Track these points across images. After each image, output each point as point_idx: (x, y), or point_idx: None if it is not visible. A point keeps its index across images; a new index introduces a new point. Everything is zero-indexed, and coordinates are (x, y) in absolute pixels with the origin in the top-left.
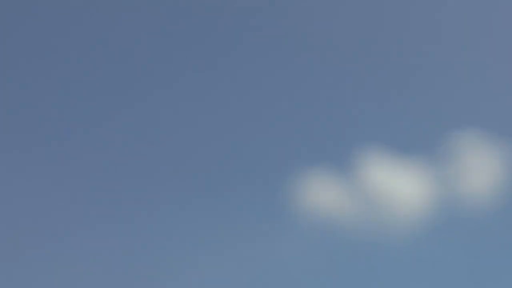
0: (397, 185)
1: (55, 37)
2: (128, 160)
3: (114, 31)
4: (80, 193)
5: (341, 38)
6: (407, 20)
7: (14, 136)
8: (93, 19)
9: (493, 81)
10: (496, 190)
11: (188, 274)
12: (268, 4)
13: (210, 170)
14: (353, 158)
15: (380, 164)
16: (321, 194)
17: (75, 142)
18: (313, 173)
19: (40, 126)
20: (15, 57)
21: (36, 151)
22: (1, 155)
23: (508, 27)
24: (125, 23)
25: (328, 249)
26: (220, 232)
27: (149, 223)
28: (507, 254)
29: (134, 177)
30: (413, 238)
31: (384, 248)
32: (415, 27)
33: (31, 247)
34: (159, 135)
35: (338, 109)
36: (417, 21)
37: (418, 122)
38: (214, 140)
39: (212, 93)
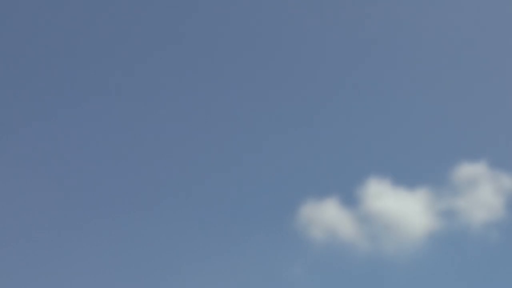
0: (403, 216)
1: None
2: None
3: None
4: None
5: (346, 75)
6: (412, 56)
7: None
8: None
9: (500, 116)
10: (501, 223)
11: None
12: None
13: (226, 202)
14: (361, 190)
15: (387, 196)
16: (331, 224)
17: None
18: (323, 204)
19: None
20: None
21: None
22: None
23: None
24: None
25: (337, 275)
26: (233, 256)
27: (166, 247)
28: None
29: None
30: (418, 267)
31: (389, 276)
32: (420, 62)
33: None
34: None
35: (347, 144)
36: (421, 56)
37: (425, 156)
38: (227, 174)
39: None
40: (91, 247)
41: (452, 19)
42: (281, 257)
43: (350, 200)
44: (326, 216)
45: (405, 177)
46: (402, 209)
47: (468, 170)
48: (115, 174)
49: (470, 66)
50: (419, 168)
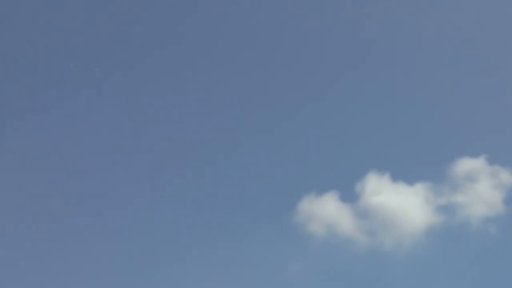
0: (402, 211)
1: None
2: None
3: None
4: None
5: (346, 74)
6: (412, 55)
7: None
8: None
9: (499, 113)
10: (500, 218)
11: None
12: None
13: (225, 198)
14: (360, 185)
15: (387, 191)
16: (330, 219)
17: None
18: (323, 199)
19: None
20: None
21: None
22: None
23: None
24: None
25: (336, 270)
26: (234, 251)
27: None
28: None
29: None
30: (417, 262)
31: (389, 270)
32: (419, 60)
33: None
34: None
35: (346, 139)
36: (421, 55)
37: (424, 151)
38: (233, 170)
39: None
40: (94, 247)
41: (451, 19)
42: (281, 252)
43: (349, 195)
44: (325, 211)
45: (405, 172)
46: (401, 204)
47: (467, 165)
48: (116, 173)
49: (469, 65)
50: (419, 163)
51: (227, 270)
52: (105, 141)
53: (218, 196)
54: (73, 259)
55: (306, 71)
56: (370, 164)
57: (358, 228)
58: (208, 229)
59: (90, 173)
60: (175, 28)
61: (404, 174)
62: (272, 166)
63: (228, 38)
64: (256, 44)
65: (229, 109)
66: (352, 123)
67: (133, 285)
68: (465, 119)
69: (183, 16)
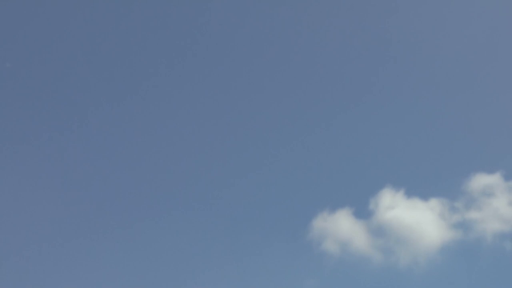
0: (416, 228)
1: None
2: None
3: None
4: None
5: (360, 90)
6: (428, 69)
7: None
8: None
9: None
10: None
11: None
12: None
13: (240, 215)
14: (374, 201)
15: (401, 207)
16: (344, 236)
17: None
18: (336, 216)
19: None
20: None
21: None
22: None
23: None
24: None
25: (351, 287)
26: (248, 269)
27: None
28: None
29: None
30: (432, 279)
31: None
32: (435, 75)
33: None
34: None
35: (361, 155)
36: (437, 69)
37: (439, 167)
38: (247, 189)
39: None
40: (111, 261)
41: (473, 31)
42: (296, 270)
43: (363, 211)
44: (339, 228)
45: (419, 188)
46: (416, 220)
47: (483, 181)
48: (131, 180)
49: (487, 80)
50: (434, 179)
51: (241, 287)
52: (109, 143)
53: (232, 214)
54: (81, 261)
55: (317, 89)
56: (385, 180)
57: (373, 245)
58: (221, 248)
59: (109, 183)
60: (195, 38)
61: (419, 190)
62: (285, 183)
63: (246, 48)
64: (275, 60)
65: (242, 125)
66: (366, 139)
67: None
68: (481, 135)
69: (201, 29)
